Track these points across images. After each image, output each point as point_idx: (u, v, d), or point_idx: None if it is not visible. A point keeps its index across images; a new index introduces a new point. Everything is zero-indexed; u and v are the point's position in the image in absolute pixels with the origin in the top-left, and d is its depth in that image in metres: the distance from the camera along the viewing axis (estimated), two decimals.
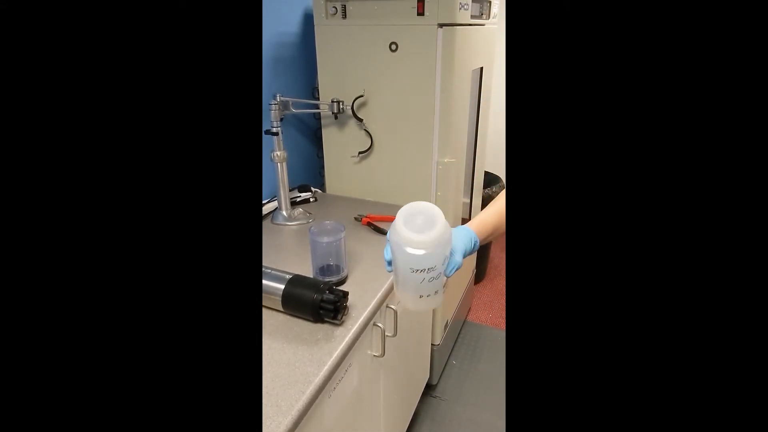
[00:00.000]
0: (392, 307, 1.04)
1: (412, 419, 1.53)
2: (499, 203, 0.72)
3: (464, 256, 0.65)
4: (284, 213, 1.29)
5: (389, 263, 0.64)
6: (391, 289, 0.99)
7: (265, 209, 1.34)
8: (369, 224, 1.25)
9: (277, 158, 1.23)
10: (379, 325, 0.98)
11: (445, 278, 0.63)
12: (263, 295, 0.86)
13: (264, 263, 0.92)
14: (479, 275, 2.40)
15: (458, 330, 2.03)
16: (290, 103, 1.29)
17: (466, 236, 0.67)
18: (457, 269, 0.63)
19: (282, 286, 0.84)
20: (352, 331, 0.83)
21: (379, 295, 0.94)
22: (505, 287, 2.31)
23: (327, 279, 0.95)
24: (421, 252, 0.58)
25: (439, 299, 0.65)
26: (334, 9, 1.26)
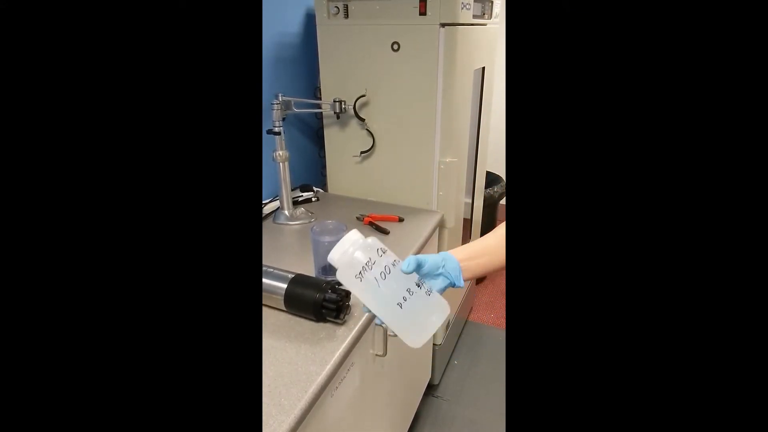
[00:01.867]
0: None
1: (413, 419, 1.53)
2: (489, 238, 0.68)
3: (418, 264, 0.60)
4: (286, 212, 1.29)
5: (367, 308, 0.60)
6: None
7: (267, 209, 1.34)
8: (371, 224, 1.25)
9: (279, 158, 1.23)
10: (382, 324, 0.98)
11: (411, 274, 0.58)
12: (265, 294, 0.87)
13: (266, 263, 0.92)
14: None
15: (460, 330, 2.03)
16: (292, 102, 1.29)
17: (438, 255, 0.64)
18: (415, 264, 0.58)
19: (284, 286, 0.85)
20: (355, 330, 0.83)
21: None
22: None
23: (329, 278, 0.95)
24: (342, 254, 0.58)
25: (435, 300, 0.59)
26: (336, 9, 1.26)
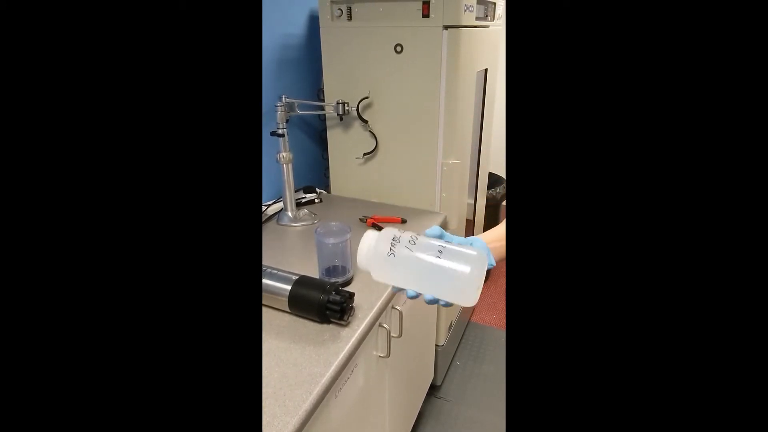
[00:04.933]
0: (397, 308, 1.04)
1: (416, 420, 1.53)
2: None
3: (441, 234, 0.61)
4: (290, 214, 1.30)
5: (416, 294, 0.59)
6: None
7: (271, 210, 1.34)
8: (374, 225, 1.26)
9: (282, 159, 1.24)
10: (385, 325, 0.98)
11: (437, 239, 0.59)
12: (270, 295, 0.87)
13: (270, 264, 0.92)
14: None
15: (462, 331, 2.03)
16: (296, 104, 1.29)
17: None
18: (438, 232, 0.60)
19: (288, 287, 0.85)
20: (358, 331, 0.83)
21: (385, 296, 0.94)
22: None
23: (333, 280, 0.96)
24: (371, 242, 0.58)
25: (467, 252, 0.58)
26: (339, 11, 1.27)
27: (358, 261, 0.60)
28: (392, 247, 0.58)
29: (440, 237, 0.61)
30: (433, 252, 0.57)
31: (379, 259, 0.58)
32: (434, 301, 0.58)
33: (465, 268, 0.56)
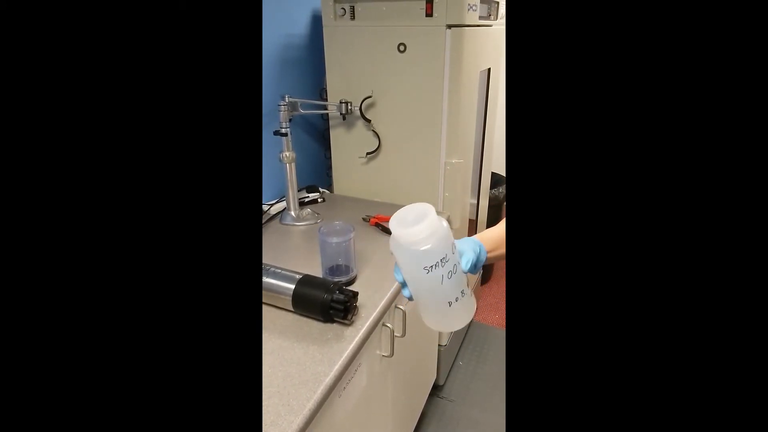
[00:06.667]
0: (401, 307, 1.04)
1: (419, 419, 1.53)
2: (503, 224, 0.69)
3: (475, 263, 0.61)
4: (293, 213, 1.30)
5: (405, 285, 0.60)
6: (400, 290, 0.99)
7: (274, 209, 1.34)
8: (377, 225, 1.26)
9: (285, 159, 1.24)
10: (388, 325, 0.98)
11: (465, 275, 0.59)
12: (273, 295, 0.87)
13: (273, 263, 0.92)
14: (485, 276, 2.40)
15: (465, 331, 2.03)
16: (299, 104, 1.29)
17: (471, 241, 0.64)
18: (473, 265, 0.59)
19: (292, 286, 0.85)
20: (362, 331, 0.83)
21: (388, 295, 0.94)
22: None
23: (336, 279, 0.96)
24: (425, 244, 0.54)
25: (472, 302, 0.61)
26: (342, 10, 1.27)
27: (394, 236, 0.55)
28: (434, 267, 0.55)
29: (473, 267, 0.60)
30: (456, 293, 0.58)
31: (412, 260, 0.56)
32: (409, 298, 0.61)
33: (462, 320, 0.61)
